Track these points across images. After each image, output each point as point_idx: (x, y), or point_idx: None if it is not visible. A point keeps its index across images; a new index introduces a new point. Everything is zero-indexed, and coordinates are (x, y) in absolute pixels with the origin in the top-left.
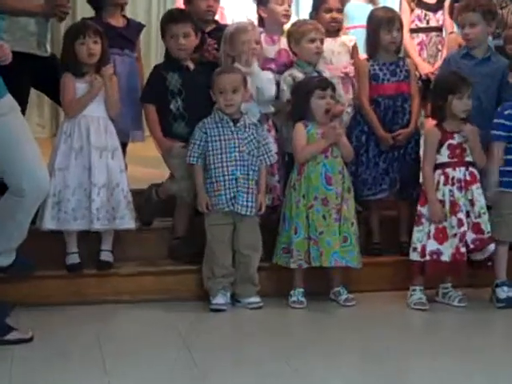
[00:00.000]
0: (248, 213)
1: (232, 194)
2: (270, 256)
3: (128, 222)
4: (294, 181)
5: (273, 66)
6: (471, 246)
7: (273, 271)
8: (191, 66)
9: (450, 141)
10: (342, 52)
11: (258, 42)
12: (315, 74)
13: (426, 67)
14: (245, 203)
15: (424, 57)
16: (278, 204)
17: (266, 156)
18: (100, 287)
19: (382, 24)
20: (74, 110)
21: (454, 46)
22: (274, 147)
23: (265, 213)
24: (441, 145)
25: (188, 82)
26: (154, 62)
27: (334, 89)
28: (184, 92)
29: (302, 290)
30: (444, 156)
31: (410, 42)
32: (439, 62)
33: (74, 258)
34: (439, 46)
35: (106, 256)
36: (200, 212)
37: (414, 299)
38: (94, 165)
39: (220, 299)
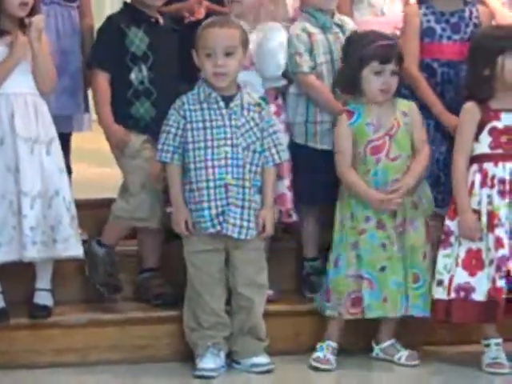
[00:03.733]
0: (242, 236)
1: (219, 209)
2: (285, 295)
3: (74, 246)
4: (342, 190)
5: None
6: None
7: (287, 317)
8: (161, 19)
9: (495, 123)
10: None
11: None
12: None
13: (510, 16)
14: (238, 222)
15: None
16: (290, 222)
17: (273, 151)
18: (34, 344)
19: None
20: None
21: None
22: (284, 139)
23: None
24: (480, 129)
25: (158, 42)
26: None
27: (399, 59)
28: (152, 57)
29: (333, 344)
30: (483, 145)
31: None
32: None
33: None
34: None
35: (42, 298)
36: (176, 235)
37: (487, 358)
38: (22, 164)
39: (209, 362)
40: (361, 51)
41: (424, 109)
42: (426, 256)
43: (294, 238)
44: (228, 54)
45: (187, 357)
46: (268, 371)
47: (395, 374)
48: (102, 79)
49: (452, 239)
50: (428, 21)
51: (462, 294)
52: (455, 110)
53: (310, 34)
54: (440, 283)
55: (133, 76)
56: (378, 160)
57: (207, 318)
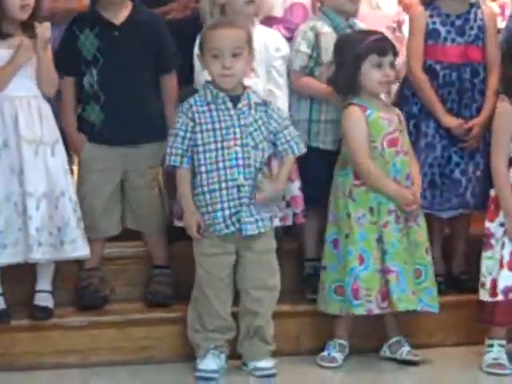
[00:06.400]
0: (262, 229)
1: (232, 210)
2: (285, 296)
3: (81, 247)
4: (349, 187)
5: (280, 28)
6: None
7: (288, 318)
8: (118, 20)
9: None
10: None
11: None
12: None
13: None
14: (252, 218)
15: None
16: (301, 222)
17: (292, 143)
18: (35, 345)
19: None
20: None
21: None
22: None
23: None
24: None
25: (109, 45)
26: None
27: (395, 53)
28: (101, 59)
29: (341, 341)
30: None
31: None
32: None
33: None
34: None
35: (43, 299)
36: (179, 236)
37: (489, 359)
38: (27, 166)
39: (210, 363)
40: (357, 48)
41: (423, 111)
42: (428, 251)
43: (294, 238)
44: (235, 55)
45: (188, 358)
46: (270, 375)
47: (396, 374)
48: (66, 83)
49: (493, 241)
50: (433, 23)
51: (510, 295)
52: (457, 112)
53: (317, 33)
54: (483, 285)
55: (85, 80)
56: (397, 153)
57: (212, 321)
